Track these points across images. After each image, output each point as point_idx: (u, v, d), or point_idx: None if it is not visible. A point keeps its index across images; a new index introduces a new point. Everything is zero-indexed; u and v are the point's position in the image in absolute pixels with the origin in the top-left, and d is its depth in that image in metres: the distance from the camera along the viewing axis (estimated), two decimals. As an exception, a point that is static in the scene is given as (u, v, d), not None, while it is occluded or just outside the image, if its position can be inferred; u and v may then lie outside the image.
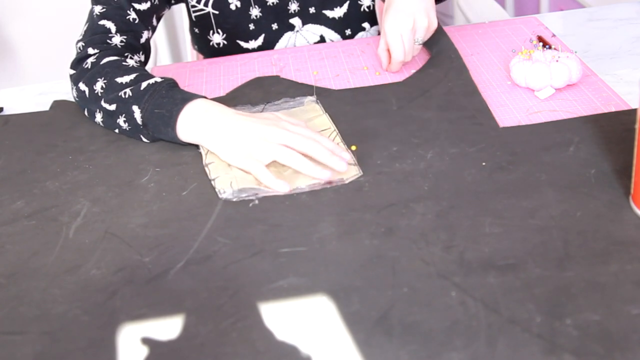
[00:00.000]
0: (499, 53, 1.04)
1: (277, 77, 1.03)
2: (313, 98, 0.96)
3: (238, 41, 1.16)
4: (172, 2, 1.12)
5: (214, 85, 1.04)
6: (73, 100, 0.99)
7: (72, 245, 0.73)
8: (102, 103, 0.91)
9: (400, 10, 0.97)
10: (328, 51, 1.11)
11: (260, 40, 1.16)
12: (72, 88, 0.97)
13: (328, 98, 0.96)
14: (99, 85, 0.91)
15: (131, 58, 0.97)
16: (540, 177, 0.75)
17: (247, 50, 1.17)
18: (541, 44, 1.02)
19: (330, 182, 0.78)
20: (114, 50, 0.96)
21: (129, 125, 0.89)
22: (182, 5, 1.18)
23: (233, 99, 0.98)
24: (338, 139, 0.86)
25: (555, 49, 0.99)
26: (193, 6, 1.14)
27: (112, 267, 0.69)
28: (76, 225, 0.76)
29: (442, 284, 0.63)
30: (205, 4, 1.12)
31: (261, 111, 0.94)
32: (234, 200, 0.77)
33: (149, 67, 1.10)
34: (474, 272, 0.63)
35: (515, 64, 0.94)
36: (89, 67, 0.94)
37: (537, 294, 0.60)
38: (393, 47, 0.98)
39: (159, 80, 0.89)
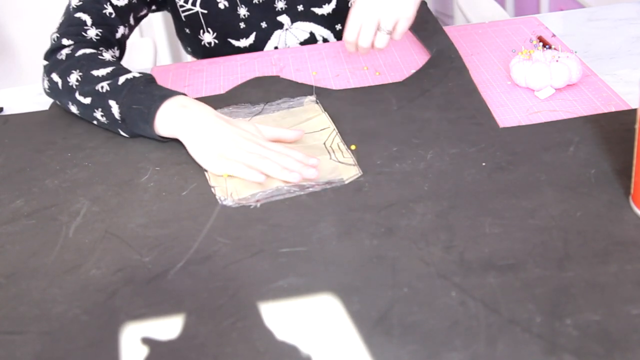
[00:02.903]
0: (499, 53, 1.04)
1: (277, 77, 1.03)
2: (313, 98, 0.96)
3: (229, 40, 1.16)
4: (154, 8, 1.12)
5: (214, 85, 1.04)
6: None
7: (72, 245, 0.73)
8: (77, 96, 0.91)
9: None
10: (328, 51, 1.11)
11: (251, 39, 1.16)
12: (44, 79, 0.97)
13: (328, 98, 0.96)
14: (73, 78, 0.92)
15: (106, 52, 0.98)
16: (540, 177, 0.75)
17: (238, 49, 1.17)
18: (541, 44, 1.02)
19: (330, 182, 0.78)
20: (89, 43, 0.97)
21: (106, 119, 0.90)
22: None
23: (233, 99, 0.98)
24: (338, 138, 0.86)
25: (555, 49, 0.99)
26: (181, 6, 1.13)
27: (112, 267, 0.69)
28: (76, 225, 0.76)
29: (442, 284, 0.63)
30: (193, 4, 1.12)
31: (260, 111, 0.94)
32: (235, 206, 0.76)
33: (149, 68, 1.10)
34: (474, 272, 0.63)
35: (515, 64, 0.94)
36: (64, 58, 0.94)
37: (537, 294, 0.60)
38: (347, 28, 0.96)
39: (137, 75, 0.90)
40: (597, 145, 0.79)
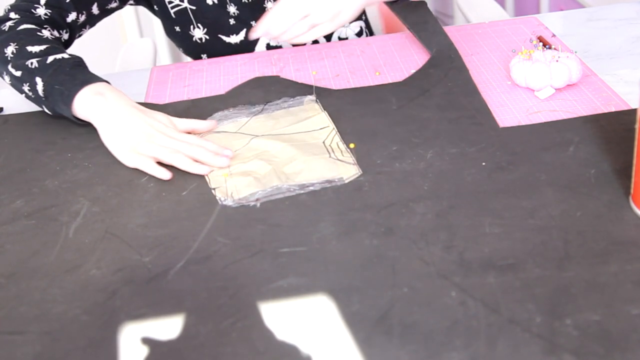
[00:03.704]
0: (499, 53, 1.04)
1: (277, 77, 1.03)
2: (312, 97, 0.96)
3: (220, 35, 1.16)
4: (131, 2, 1.13)
5: (214, 85, 1.04)
6: None
7: (72, 245, 0.73)
8: (9, 67, 0.94)
9: None
10: (328, 51, 1.11)
11: (241, 35, 1.16)
12: None
13: (328, 98, 0.96)
14: (9, 50, 0.95)
15: (48, 31, 1.00)
16: (540, 177, 0.75)
17: (229, 45, 1.17)
18: (541, 44, 1.02)
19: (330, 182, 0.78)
20: (35, 20, 1.00)
21: (32, 94, 0.93)
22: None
23: (233, 99, 0.98)
24: (337, 137, 0.86)
25: (555, 49, 0.99)
26: (170, 2, 1.13)
27: (112, 267, 0.69)
28: (76, 225, 0.76)
29: (442, 284, 0.63)
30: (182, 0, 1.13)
31: (260, 111, 0.94)
32: (235, 206, 0.76)
33: (149, 68, 1.10)
34: (474, 272, 0.63)
35: (515, 64, 0.94)
36: (6, 30, 0.98)
37: (537, 294, 0.60)
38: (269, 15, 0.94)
39: (66, 56, 0.93)
40: (597, 145, 0.79)
